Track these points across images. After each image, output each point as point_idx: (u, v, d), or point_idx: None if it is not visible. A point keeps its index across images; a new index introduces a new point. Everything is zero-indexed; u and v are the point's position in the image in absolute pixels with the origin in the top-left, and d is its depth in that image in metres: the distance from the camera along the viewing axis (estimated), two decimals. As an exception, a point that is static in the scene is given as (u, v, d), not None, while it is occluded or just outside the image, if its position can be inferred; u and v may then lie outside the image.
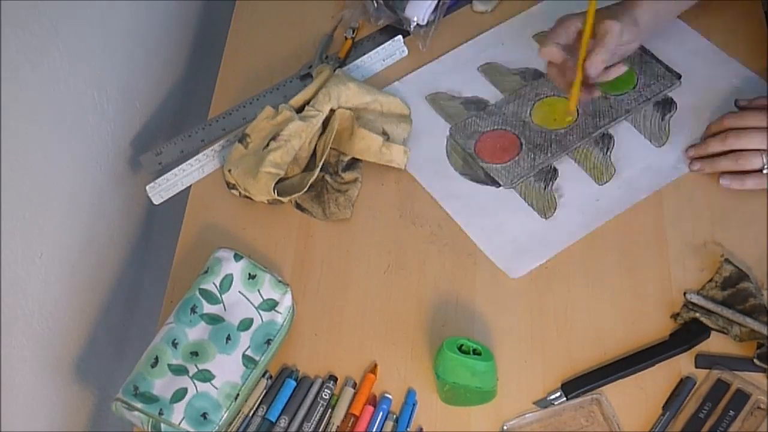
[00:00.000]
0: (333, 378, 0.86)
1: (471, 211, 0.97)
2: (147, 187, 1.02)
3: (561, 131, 1.00)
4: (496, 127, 1.02)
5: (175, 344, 0.84)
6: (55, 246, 0.92)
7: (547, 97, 1.03)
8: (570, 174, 0.97)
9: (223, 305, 0.87)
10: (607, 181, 0.96)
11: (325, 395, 0.84)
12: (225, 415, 0.82)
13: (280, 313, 0.87)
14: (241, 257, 0.88)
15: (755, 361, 0.80)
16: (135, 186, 1.10)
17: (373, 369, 0.86)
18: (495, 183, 0.98)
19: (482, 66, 1.08)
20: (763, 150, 0.89)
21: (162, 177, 1.03)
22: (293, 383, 0.86)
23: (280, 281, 0.88)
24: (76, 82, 0.96)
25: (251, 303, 0.87)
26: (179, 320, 0.85)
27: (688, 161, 0.95)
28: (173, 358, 0.83)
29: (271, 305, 0.87)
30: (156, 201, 1.03)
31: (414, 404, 0.84)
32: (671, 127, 0.98)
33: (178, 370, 0.82)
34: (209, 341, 0.84)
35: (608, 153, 0.97)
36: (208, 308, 0.86)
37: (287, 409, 0.84)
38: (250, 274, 0.88)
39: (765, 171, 0.89)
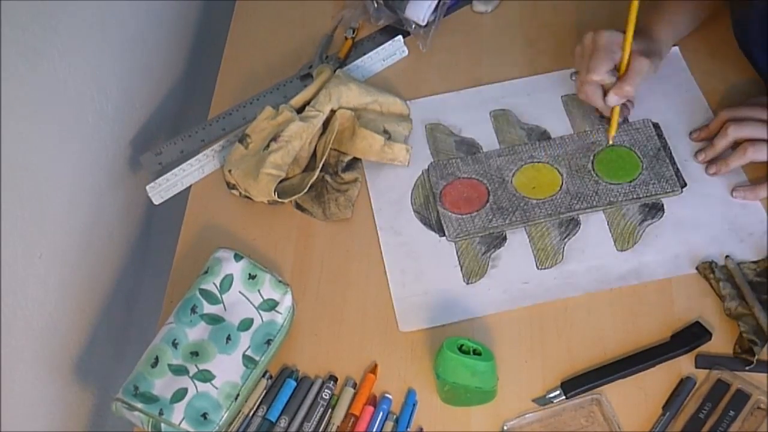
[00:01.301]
0: (333, 378, 0.86)
1: (402, 250, 0.94)
2: (147, 188, 1.02)
3: (533, 200, 0.95)
4: (473, 176, 0.98)
5: (175, 344, 0.84)
6: (55, 246, 0.92)
7: (539, 162, 0.97)
8: (516, 247, 0.92)
9: (224, 305, 0.87)
10: (547, 267, 0.90)
11: (326, 395, 0.84)
12: (225, 415, 0.82)
13: (281, 313, 0.87)
14: (242, 257, 0.88)
15: (735, 348, 0.81)
16: (135, 186, 1.10)
17: (374, 369, 0.86)
18: (441, 231, 0.94)
19: (495, 111, 1.03)
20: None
21: (162, 177, 1.03)
22: (293, 383, 0.86)
23: (280, 281, 0.88)
24: (76, 82, 0.96)
25: (251, 303, 0.87)
26: (179, 320, 0.85)
27: (703, 165, 0.94)
28: (173, 358, 0.83)
29: (271, 305, 0.87)
30: (156, 201, 1.03)
31: (414, 404, 0.84)
32: (644, 235, 0.90)
33: (179, 370, 0.82)
34: (209, 341, 0.84)
35: (566, 239, 0.91)
36: (208, 308, 0.86)
37: (287, 409, 0.84)
38: (250, 274, 0.88)
39: None
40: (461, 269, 0.91)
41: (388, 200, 0.98)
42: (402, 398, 0.84)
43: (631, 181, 0.94)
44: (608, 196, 0.94)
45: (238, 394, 0.83)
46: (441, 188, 0.97)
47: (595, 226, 0.92)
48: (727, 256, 0.86)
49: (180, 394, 0.81)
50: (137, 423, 0.81)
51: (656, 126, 0.98)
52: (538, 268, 0.90)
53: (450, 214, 0.95)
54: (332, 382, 0.85)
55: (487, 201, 0.96)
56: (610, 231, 0.92)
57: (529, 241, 0.92)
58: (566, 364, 0.84)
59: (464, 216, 0.95)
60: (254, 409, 0.85)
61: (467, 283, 0.90)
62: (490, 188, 0.96)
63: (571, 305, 0.88)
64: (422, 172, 1.00)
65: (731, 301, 0.83)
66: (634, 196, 0.93)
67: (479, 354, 0.80)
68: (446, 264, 0.92)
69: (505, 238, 0.93)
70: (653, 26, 0.98)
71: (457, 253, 0.93)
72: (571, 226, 0.93)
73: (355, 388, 0.85)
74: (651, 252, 0.89)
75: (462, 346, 0.79)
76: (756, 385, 0.79)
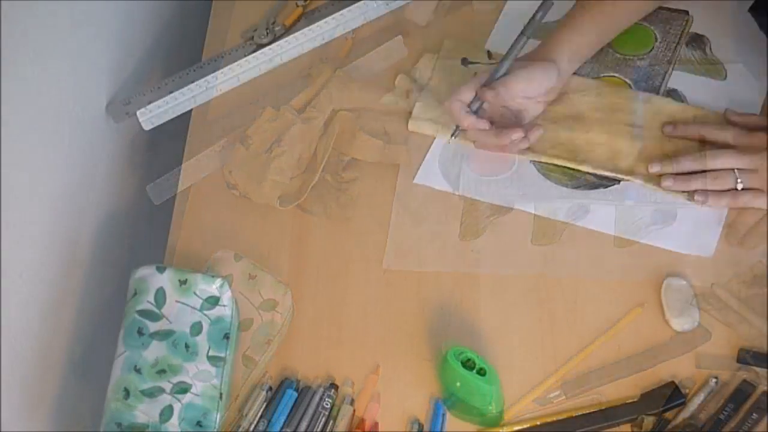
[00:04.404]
0: (333, 386, 0.85)
1: (412, 197, 0.97)
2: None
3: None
4: None
5: (137, 370, 0.83)
6: (55, 246, 0.93)
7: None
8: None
9: (166, 319, 0.84)
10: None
11: (326, 404, 0.84)
12: (218, 416, 0.82)
13: (226, 305, 0.85)
14: (165, 269, 0.86)
15: (740, 353, 0.80)
16: (135, 186, 1.10)
17: (375, 371, 0.86)
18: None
19: None
20: (738, 169, 0.86)
21: (153, 104, 1.03)
22: (294, 394, 0.85)
23: (213, 276, 0.86)
24: (73, 85, 0.96)
25: (189, 306, 0.85)
26: (130, 346, 0.84)
27: (660, 176, 0.90)
28: (142, 384, 0.82)
29: (211, 303, 0.85)
30: (146, 127, 1.02)
31: (443, 414, 0.82)
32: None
33: (154, 392, 0.82)
34: (170, 355, 0.83)
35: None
36: (153, 327, 0.84)
37: (289, 422, 0.83)
38: (181, 280, 0.86)
39: (740, 187, 0.86)
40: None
41: (426, 145, 1.00)
42: (401, 400, 0.84)
43: (651, 49, 0.99)
44: (662, 57, 0.98)
45: (221, 393, 0.82)
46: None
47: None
48: (712, 284, 0.85)
49: (167, 413, 0.81)
50: None
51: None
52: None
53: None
54: (332, 390, 0.85)
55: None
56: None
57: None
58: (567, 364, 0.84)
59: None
60: (255, 423, 0.84)
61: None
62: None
63: (572, 305, 0.87)
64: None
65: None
66: (675, 43, 0.97)
67: (484, 374, 0.78)
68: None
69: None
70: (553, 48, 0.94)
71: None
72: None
73: (353, 399, 0.85)
74: (647, 248, 0.89)
75: (469, 360, 0.78)
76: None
